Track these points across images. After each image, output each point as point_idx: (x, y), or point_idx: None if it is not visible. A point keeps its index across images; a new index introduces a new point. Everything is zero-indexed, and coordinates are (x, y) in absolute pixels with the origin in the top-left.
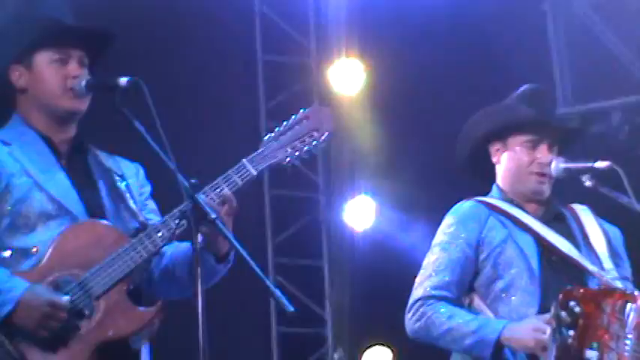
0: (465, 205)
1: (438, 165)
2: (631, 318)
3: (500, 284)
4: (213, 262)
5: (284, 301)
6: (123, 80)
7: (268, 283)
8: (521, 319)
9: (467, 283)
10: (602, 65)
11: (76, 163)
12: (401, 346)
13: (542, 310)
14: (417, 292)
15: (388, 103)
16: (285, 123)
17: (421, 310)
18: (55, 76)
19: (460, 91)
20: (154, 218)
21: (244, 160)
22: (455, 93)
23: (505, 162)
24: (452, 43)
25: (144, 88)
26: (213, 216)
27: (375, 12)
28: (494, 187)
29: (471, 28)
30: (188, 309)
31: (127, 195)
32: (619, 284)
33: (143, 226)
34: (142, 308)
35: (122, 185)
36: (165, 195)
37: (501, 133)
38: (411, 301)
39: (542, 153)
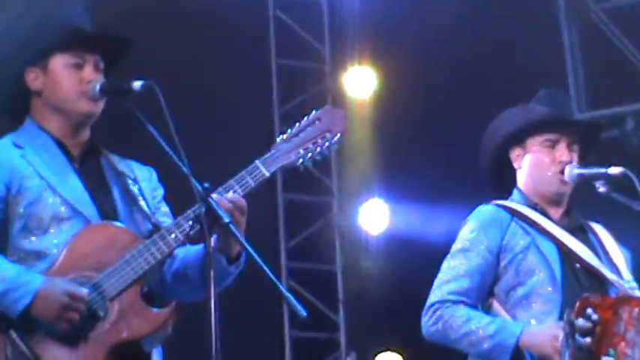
0: (486, 210)
1: (452, 167)
2: None
3: (520, 291)
4: (225, 263)
5: (296, 305)
6: (137, 84)
7: (281, 287)
8: None
9: (486, 290)
10: (616, 71)
11: (89, 167)
12: (413, 351)
13: (563, 317)
14: (435, 295)
15: (401, 108)
16: (297, 124)
17: (438, 312)
18: (70, 79)
19: (472, 95)
20: (167, 221)
21: (257, 162)
22: (467, 98)
23: (526, 165)
24: (464, 50)
25: (157, 91)
26: (227, 220)
27: (388, 19)
28: (515, 191)
29: (484, 35)
30: (200, 312)
31: (140, 198)
32: (637, 293)
33: (156, 229)
34: (155, 310)
35: (135, 188)
36: (178, 197)
37: (520, 137)
38: (428, 303)
39: (562, 152)
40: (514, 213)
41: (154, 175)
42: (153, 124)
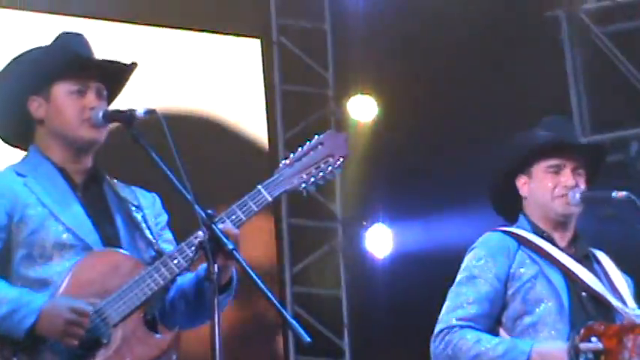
0: (493, 237)
1: (454, 192)
2: None
3: (527, 319)
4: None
5: (300, 331)
6: (140, 111)
7: (285, 313)
8: None
9: (495, 318)
10: (619, 95)
11: (92, 194)
12: None
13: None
14: (443, 322)
15: (403, 134)
16: (300, 149)
17: (447, 338)
18: (72, 106)
19: (474, 120)
20: (169, 248)
21: (259, 187)
22: (469, 122)
23: (532, 192)
24: (466, 73)
25: (161, 118)
26: (231, 247)
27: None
28: (521, 218)
29: (486, 59)
30: (204, 338)
31: (143, 225)
32: None
33: (159, 255)
34: (158, 336)
35: (138, 215)
36: (181, 223)
37: (524, 164)
38: (436, 330)
39: (567, 177)
40: (521, 240)
41: (158, 201)
42: (156, 150)
